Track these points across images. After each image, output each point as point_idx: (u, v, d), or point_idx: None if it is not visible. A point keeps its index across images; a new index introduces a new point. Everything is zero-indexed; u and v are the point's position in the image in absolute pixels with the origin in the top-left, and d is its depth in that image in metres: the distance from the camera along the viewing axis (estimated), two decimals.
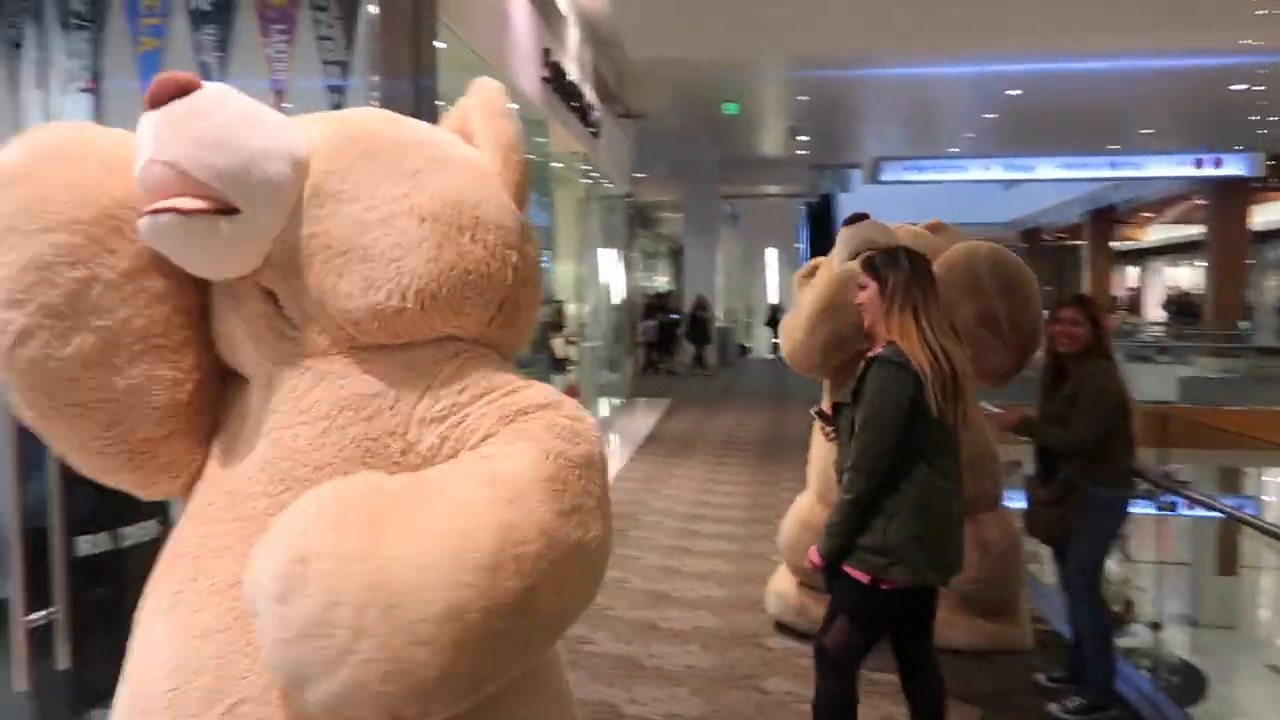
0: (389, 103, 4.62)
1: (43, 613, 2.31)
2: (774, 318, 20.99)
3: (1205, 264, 21.88)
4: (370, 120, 1.42)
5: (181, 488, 1.40)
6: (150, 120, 1.21)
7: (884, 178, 16.96)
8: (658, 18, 10.59)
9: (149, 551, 1.53)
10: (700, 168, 19.08)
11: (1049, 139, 16.95)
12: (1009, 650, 4.02)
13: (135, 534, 2.53)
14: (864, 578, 2.54)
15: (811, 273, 4.23)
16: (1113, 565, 6.18)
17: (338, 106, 4.56)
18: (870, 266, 2.66)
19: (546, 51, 7.94)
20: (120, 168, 1.27)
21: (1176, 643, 7.20)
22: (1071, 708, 3.48)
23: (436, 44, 5.07)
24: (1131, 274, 34.01)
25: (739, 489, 7.57)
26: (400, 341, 1.31)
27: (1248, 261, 20.91)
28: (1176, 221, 25.84)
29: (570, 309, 10.31)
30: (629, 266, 14.41)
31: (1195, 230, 23.56)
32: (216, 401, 1.40)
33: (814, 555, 2.64)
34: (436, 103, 5.08)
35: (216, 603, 1.26)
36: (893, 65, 12.42)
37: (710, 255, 20.48)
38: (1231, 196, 19.33)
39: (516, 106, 6.86)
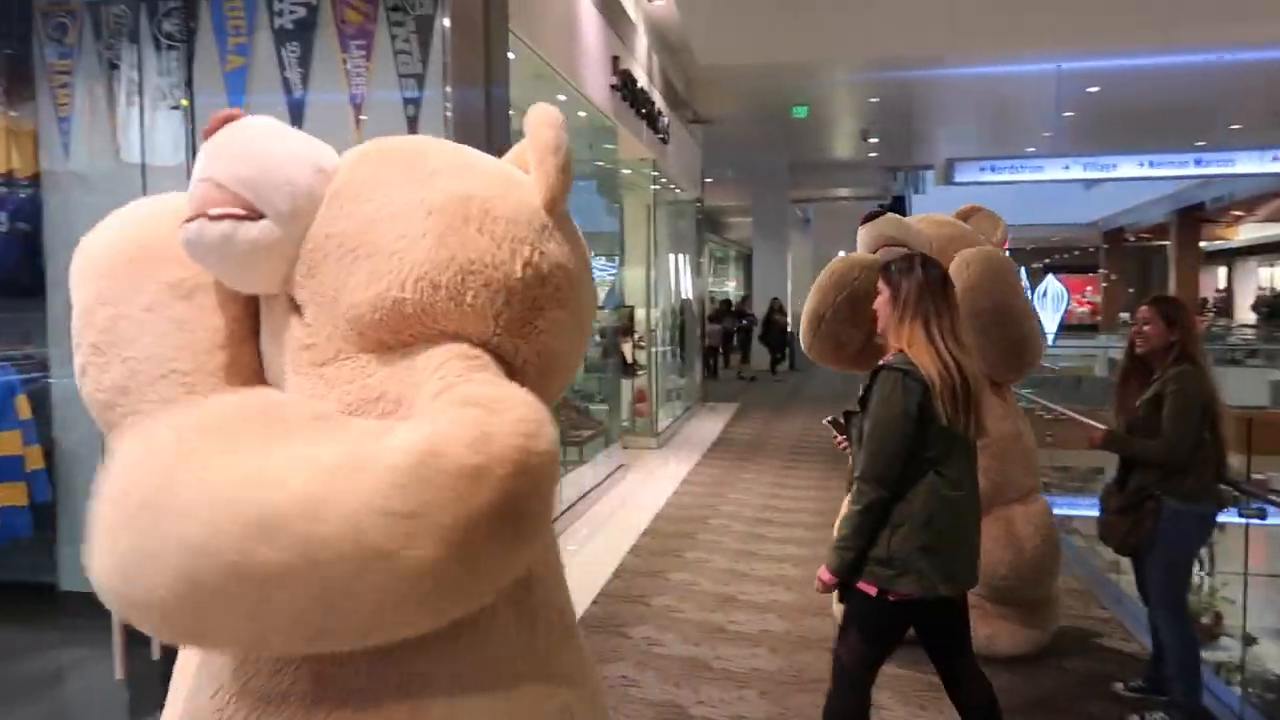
0: (462, 112, 4.73)
1: None
2: None
3: None
4: (402, 137, 1.49)
5: None
6: (203, 149, 1.35)
7: (958, 179, 16.64)
8: (726, 24, 10.61)
9: None
10: (769, 172, 18.99)
11: (1130, 137, 16.42)
12: (1026, 654, 3.93)
13: None
14: (871, 589, 2.51)
15: None
16: (1200, 576, 5.98)
17: (413, 118, 4.71)
18: (886, 273, 2.65)
19: (616, 59, 8.02)
20: (151, 221, 1.46)
21: (1271, 657, 6.92)
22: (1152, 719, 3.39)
23: (508, 54, 5.18)
24: (1221, 275, 32.74)
25: (807, 494, 7.52)
26: (403, 339, 1.30)
27: None
28: (1268, 220, 24.78)
29: (640, 314, 10.37)
30: (698, 271, 14.43)
31: None
32: None
33: (824, 574, 2.57)
34: (509, 112, 5.19)
35: None
36: (967, 65, 12.20)
37: (780, 259, 20.35)
38: None
39: (584, 115, 6.93)
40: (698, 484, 7.95)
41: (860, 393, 2.64)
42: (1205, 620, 5.88)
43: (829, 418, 3.02)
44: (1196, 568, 4.26)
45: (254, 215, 1.30)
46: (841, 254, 4.31)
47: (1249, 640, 5.29)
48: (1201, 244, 26.94)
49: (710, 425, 11.55)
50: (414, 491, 1.05)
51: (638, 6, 9.29)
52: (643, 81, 9.15)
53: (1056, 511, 8.04)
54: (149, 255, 1.41)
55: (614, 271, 9.65)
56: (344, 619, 1.09)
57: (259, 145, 1.33)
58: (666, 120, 10.42)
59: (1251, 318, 26.37)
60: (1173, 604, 3.37)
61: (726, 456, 9.31)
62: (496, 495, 1.08)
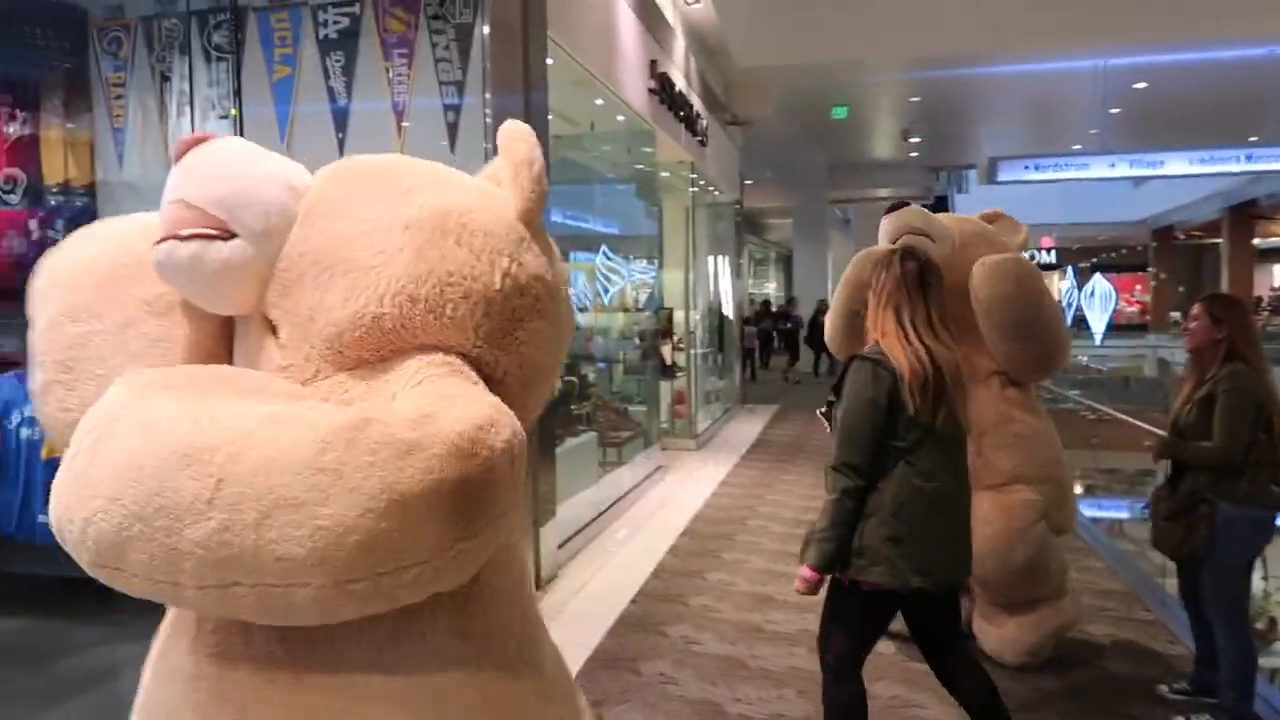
0: (502, 118, 4.81)
1: None
2: None
3: None
4: (375, 155, 1.48)
5: None
6: (173, 172, 1.34)
7: (1001, 178, 16.42)
8: (764, 25, 10.61)
9: None
10: (809, 173, 18.92)
11: (1180, 133, 16.11)
12: (1016, 662, 3.79)
13: None
14: (845, 579, 2.54)
15: None
16: (1255, 580, 5.86)
17: (454, 124, 4.79)
18: (874, 267, 2.69)
19: (654, 63, 8.07)
20: (122, 240, 1.45)
21: None
22: None
23: (547, 60, 5.25)
24: (1277, 273, 31.90)
25: None
26: (382, 355, 1.29)
27: None
28: None
29: (679, 316, 10.40)
30: (737, 273, 14.42)
31: None
32: None
33: (804, 572, 2.52)
34: (548, 117, 5.26)
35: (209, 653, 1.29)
36: (1010, 63, 12.06)
37: (820, 260, 20.27)
38: None
39: (622, 119, 6.99)
40: (736, 485, 7.96)
41: (834, 381, 2.68)
42: (1260, 625, 5.77)
43: (821, 409, 3.03)
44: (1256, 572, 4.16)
45: (225, 235, 1.29)
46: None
47: None
48: (1255, 241, 26.28)
49: (749, 427, 11.54)
50: (337, 451, 1.06)
51: (675, 10, 9.33)
52: (680, 85, 9.19)
53: (1100, 514, 7.93)
54: (123, 273, 1.40)
55: (653, 274, 9.69)
56: (251, 571, 1.06)
57: (230, 166, 1.33)
58: (705, 123, 10.45)
59: None
60: (1229, 609, 3.29)
61: (765, 458, 9.31)
62: (432, 474, 1.07)
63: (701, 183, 11.01)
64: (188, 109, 4.88)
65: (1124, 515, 8.25)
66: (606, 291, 9.08)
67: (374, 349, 1.28)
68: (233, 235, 1.28)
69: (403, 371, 1.27)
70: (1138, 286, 32.10)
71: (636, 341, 9.19)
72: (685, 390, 10.23)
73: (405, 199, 1.33)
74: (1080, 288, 25.01)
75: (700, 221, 11.14)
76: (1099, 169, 15.81)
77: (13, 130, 4.76)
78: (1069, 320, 20.77)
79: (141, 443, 1.09)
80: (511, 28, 4.88)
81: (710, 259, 12.47)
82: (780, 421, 12.07)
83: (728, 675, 3.86)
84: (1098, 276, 23.31)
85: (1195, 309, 3.41)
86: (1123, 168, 16.02)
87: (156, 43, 4.92)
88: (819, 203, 19.87)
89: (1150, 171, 16.37)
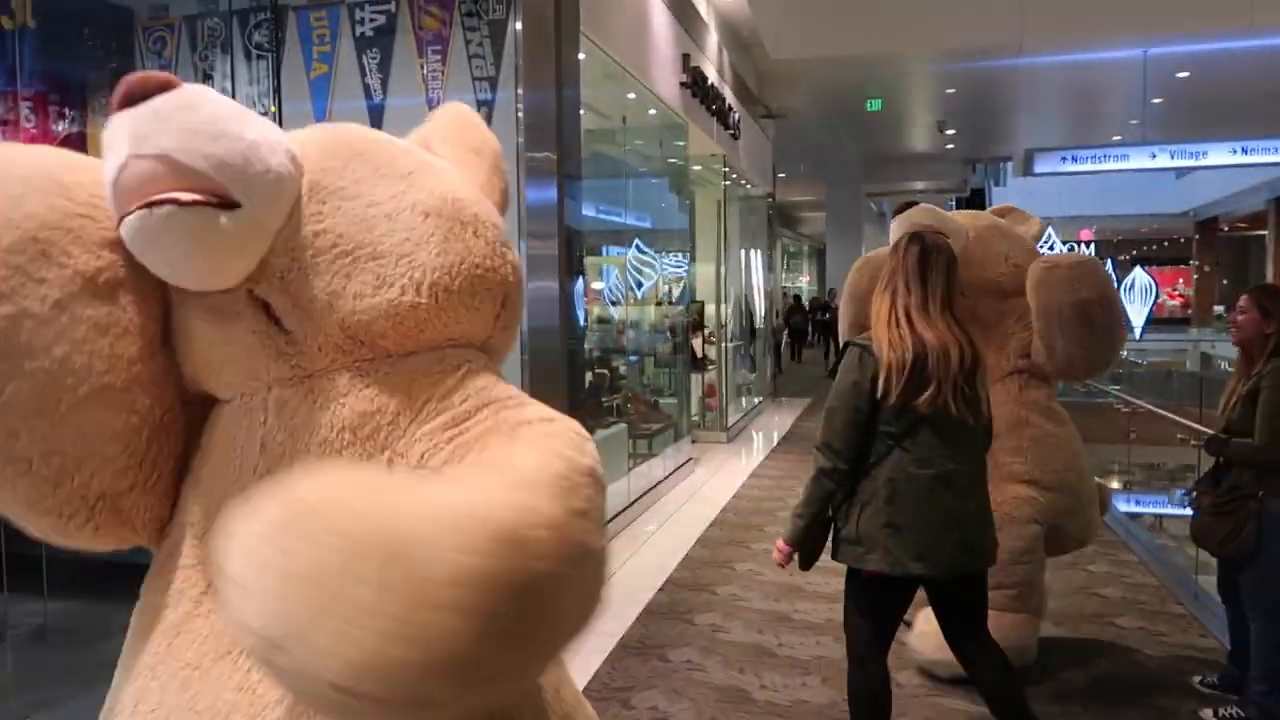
0: (534, 113, 4.88)
1: None
2: None
3: None
4: (353, 127, 1.37)
5: (152, 538, 1.27)
6: (127, 118, 1.09)
7: (1038, 169, 16.20)
8: (798, 18, 10.59)
9: None
10: (843, 166, 18.84)
11: (1224, 123, 15.80)
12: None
13: None
14: (850, 567, 2.60)
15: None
16: None
17: (487, 119, 4.86)
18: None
19: (686, 57, 8.10)
20: (45, 185, 1.13)
21: None
22: (1224, 715, 3.34)
23: (579, 56, 5.31)
24: None
25: None
26: (409, 347, 1.23)
27: None
28: None
29: (710, 309, 10.43)
30: (770, 267, 14.40)
31: None
32: (186, 435, 1.26)
33: (779, 544, 2.64)
34: (579, 111, 5.32)
35: (204, 664, 1.15)
36: (1047, 53, 11.91)
37: (854, 254, 20.07)
38: None
39: (654, 112, 7.01)
40: (766, 477, 7.99)
41: (831, 365, 2.71)
42: None
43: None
44: None
45: (227, 203, 1.10)
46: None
47: None
48: None
49: (780, 419, 11.56)
50: (577, 491, 1.01)
51: (709, 3, 9.35)
52: (713, 78, 9.21)
53: (1138, 509, 7.84)
54: (54, 238, 1.11)
55: (686, 268, 9.73)
56: (582, 624, 1.01)
57: (226, 126, 1.12)
58: (737, 116, 10.46)
59: None
60: (1270, 608, 3.26)
61: (795, 451, 9.32)
62: (605, 490, 1.09)
63: (734, 176, 11.02)
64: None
65: (1162, 510, 8.15)
66: (640, 285, 9.13)
67: (402, 338, 1.21)
68: (234, 205, 1.10)
69: (436, 367, 1.22)
70: (1180, 280, 31.52)
71: (668, 335, 9.24)
72: (716, 383, 10.27)
73: (412, 182, 1.26)
74: (1120, 281, 24.63)
75: (732, 215, 11.15)
76: (1139, 160, 15.53)
77: (61, 128, 4.91)
78: None
79: (466, 544, 0.89)
80: (544, 23, 4.94)
81: (742, 252, 12.48)
82: (812, 415, 12.05)
83: (754, 662, 3.91)
84: (1137, 269, 22.91)
85: (1243, 301, 3.36)
86: (1163, 159, 15.72)
87: (200, 41, 5.06)
88: (853, 196, 19.78)
89: (1192, 163, 16.06)
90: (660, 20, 7.42)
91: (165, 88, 1.10)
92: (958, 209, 23.04)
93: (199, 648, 1.16)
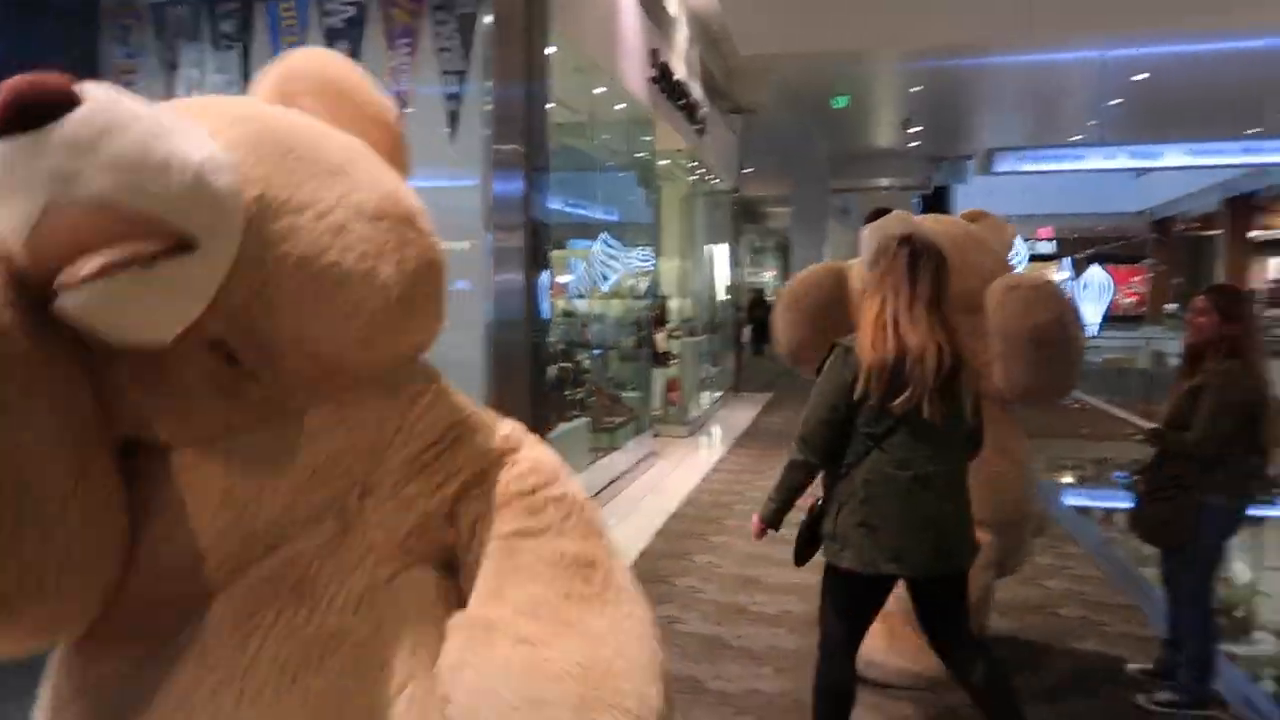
0: (503, 107, 4.92)
1: None
2: None
3: None
4: (262, 110, 1.18)
5: (83, 625, 1.06)
6: (26, 150, 0.83)
7: (998, 168, 16.47)
8: (767, 14, 10.65)
9: None
10: (809, 161, 18.95)
11: (1181, 124, 16.12)
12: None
13: None
14: (828, 562, 2.70)
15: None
16: (1240, 569, 5.99)
17: (455, 113, 4.89)
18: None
19: (654, 52, 8.15)
20: None
21: None
22: (1158, 699, 3.50)
23: (548, 50, 5.34)
24: (1273, 265, 31.95)
25: None
26: (375, 369, 1.15)
27: None
28: None
29: (674, 304, 10.49)
30: (735, 262, 14.50)
31: None
32: (121, 494, 1.06)
33: (755, 520, 2.86)
34: (547, 106, 5.36)
35: None
36: (1011, 53, 12.12)
37: (818, 250, 20.31)
38: None
39: (622, 107, 7.05)
40: (727, 471, 8.11)
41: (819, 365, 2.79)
42: (1239, 614, 5.90)
43: None
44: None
45: (184, 244, 0.93)
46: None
47: None
48: (1252, 234, 26.37)
49: (742, 414, 11.68)
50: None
51: None
52: (681, 73, 9.26)
53: (1089, 504, 8.04)
54: None
55: (652, 263, 9.79)
56: None
57: (165, 149, 0.91)
58: (704, 111, 10.53)
59: None
60: (1195, 593, 3.43)
61: (756, 445, 9.45)
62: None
63: (700, 171, 11.09)
64: (196, 96, 4.99)
65: (1111, 505, 8.39)
66: (606, 279, 9.19)
67: (371, 365, 1.13)
68: (191, 244, 0.93)
69: (402, 393, 1.18)
70: (1136, 278, 32.15)
71: (632, 329, 9.31)
72: (679, 377, 10.36)
73: (344, 179, 1.12)
74: (1077, 278, 25.12)
75: (698, 210, 11.23)
76: (1096, 160, 15.84)
77: None
78: None
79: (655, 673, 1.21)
80: (514, 17, 4.96)
81: (707, 247, 12.56)
82: (773, 409, 12.20)
83: (710, 654, 4.01)
84: (1094, 267, 23.37)
85: (1200, 302, 3.35)
86: (1121, 159, 16.06)
87: (167, 30, 5.02)
88: (818, 191, 19.90)
89: (1148, 163, 16.42)
90: (630, 15, 7.46)
91: (66, 101, 0.84)
92: (923, 206, 23.37)
93: None
